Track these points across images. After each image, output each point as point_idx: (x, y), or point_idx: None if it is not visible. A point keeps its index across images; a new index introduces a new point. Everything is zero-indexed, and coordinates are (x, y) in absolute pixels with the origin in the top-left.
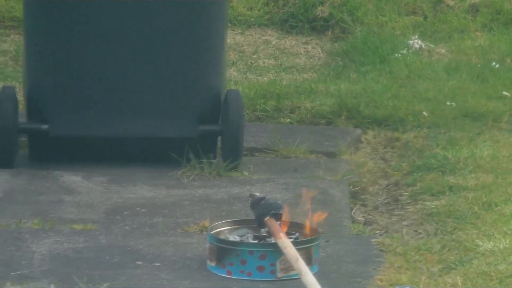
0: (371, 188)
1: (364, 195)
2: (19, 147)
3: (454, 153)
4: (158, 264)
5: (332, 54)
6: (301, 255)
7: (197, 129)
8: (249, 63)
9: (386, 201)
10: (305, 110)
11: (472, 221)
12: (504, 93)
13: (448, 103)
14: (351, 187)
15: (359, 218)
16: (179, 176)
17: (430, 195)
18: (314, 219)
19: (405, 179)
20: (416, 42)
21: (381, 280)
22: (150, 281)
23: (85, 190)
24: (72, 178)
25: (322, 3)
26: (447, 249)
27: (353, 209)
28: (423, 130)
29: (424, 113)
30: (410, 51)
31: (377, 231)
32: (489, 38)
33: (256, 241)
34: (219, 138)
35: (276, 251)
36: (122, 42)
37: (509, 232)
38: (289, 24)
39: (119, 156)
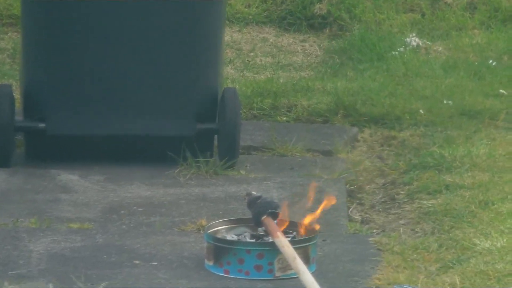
0: (367, 186)
1: (360, 193)
2: (15, 145)
3: (450, 152)
4: (155, 263)
5: (329, 51)
6: (298, 254)
7: (195, 128)
8: (246, 61)
9: (383, 199)
10: (301, 108)
11: (469, 219)
12: (501, 91)
13: (445, 101)
14: (347, 185)
15: (356, 217)
16: (176, 175)
17: (426, 194)
18: (324, 205)
19: (401, 178)
20: (414, 40)
21: (379, 279)
22: (147, 281)
23: (82, 189)
24: (69, 177)
25: (320, 1)
26: (444, 248)
27: (350, 208)
28: (420, 128)
29: (421, 111)
30: (407, 48)
31: (374, 230)
32: (486, 36)
33: (254, 240)
34: (216, 136)
35: (274, 250)
36: (119, 41)
37: (506, 230)
38: (287, 21)
39: (115, 155)
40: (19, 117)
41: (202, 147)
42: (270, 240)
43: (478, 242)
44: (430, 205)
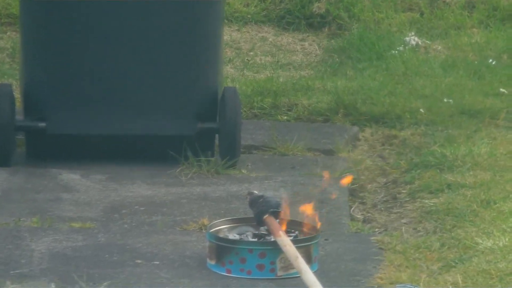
0: (369, 186)
1: (362, 193)
2: (16, 145)
3: (452, 151)
4: (157, 262)
5: (328, 51)
6: (300, 253)
7: (196, 127)
8: (245, 60)
9: (384, 199)
10: (302, 107)
11: (471, 218)
12: (501, 90)
13: (445, 100)
14: (349, 184)
15: (358, 216)
16: (178, 174)
17: (428, 193)
18: (343, 182)
19: (403, 177)
20: (413, 39)
21: (381, 279)
22: (149, 280)
23: (84, 188)
24: (70, 176)
25: (318, 0)
26: (446, 247)
27: (352, 207)
28: (421, 128)
29: (421, 110)
30: (406, 47)
31: (376, 229)
32: (485, 35)
33: (256, 239)
34: (217, 135)
35: (276, 249)
36: (119, 41)
37: (508, 229)
38: (286, 20)
39: (116, 154)
40: (19, 117)
41: (203, 146)
42: (272, 239)
43: (480, 241)
44: (432, 204)
